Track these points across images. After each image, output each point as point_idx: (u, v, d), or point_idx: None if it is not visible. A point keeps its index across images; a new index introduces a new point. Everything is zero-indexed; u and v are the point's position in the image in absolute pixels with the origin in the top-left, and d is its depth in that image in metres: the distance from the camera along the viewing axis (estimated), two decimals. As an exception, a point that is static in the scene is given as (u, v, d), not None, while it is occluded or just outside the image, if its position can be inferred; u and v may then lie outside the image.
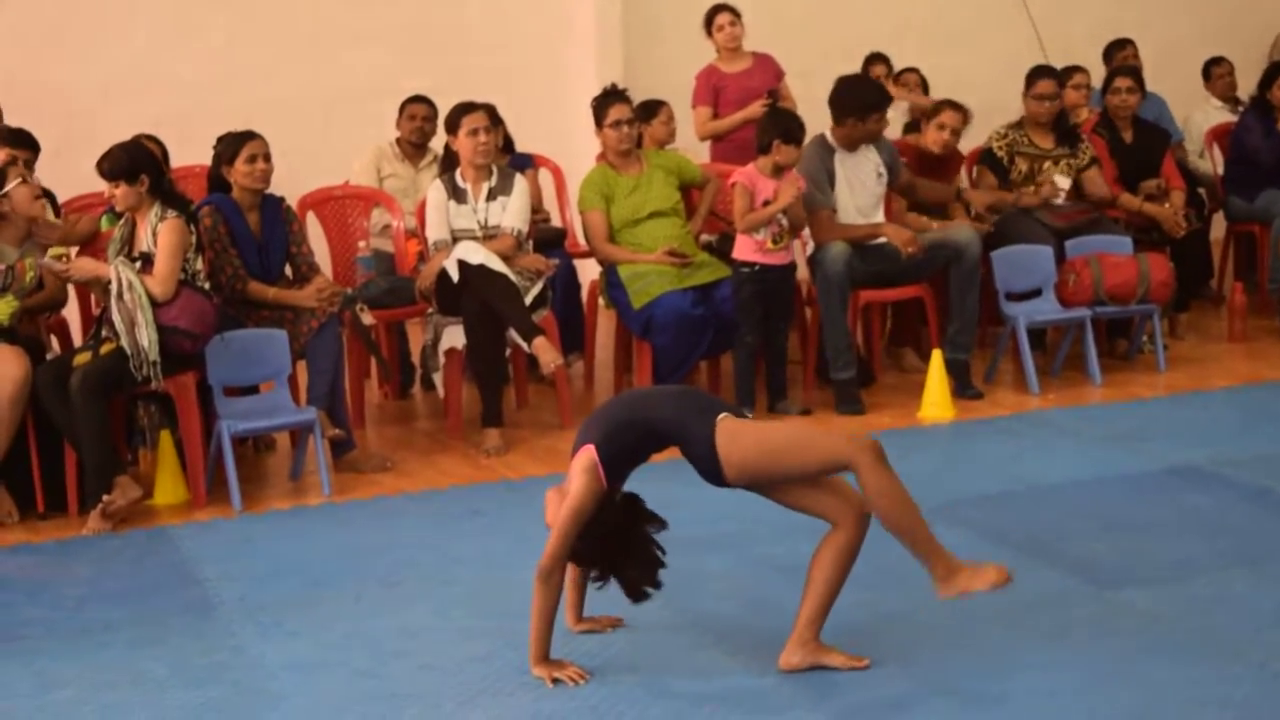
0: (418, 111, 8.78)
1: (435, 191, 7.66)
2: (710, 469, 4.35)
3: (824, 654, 4.47)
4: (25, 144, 7.16)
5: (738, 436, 4.32)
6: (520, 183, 7.72)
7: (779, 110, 8.16)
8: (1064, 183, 8.52)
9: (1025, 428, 7.37)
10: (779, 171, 7.48)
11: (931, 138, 8.53)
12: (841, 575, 4.42)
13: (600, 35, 10.85)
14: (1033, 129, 8.67)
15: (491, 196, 7.62)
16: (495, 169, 7.69)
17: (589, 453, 4.39)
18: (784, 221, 7.46)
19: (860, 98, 7.96)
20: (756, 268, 7.48)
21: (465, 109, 7.62)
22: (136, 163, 6.49)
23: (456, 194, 7.62)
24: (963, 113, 8.55)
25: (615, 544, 4.43)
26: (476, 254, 7.24)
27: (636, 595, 4.48)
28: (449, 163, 7.85)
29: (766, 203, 7.40)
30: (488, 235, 7.55)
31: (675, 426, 4.37)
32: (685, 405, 4.45)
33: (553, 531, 4.41)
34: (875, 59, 10.46)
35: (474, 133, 7.54)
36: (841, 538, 4.39)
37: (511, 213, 7.61)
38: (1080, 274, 8.12)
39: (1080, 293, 8.12)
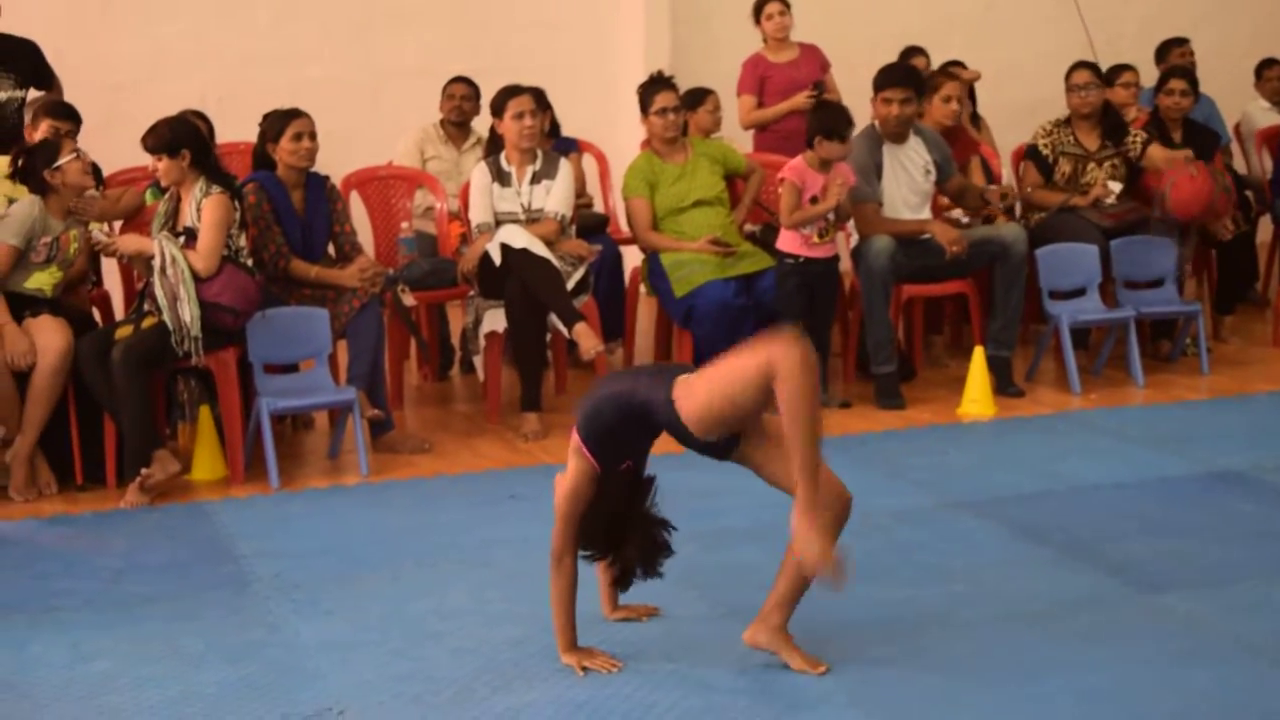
0: (457, 91, 8.78)
1: (479, 174, 7.66)
2: (680, 430, 4.26)
3: (788, 648, 4.42)
4: (67, 116, 7.17)
5: (690, 386, 4.23)
6: (565, 167, 7.71)
7: (827, 104, 8.09)
8: (1115, 186, 8.44)
9: (1066, 427, 7.33)
10: (827, 165, 7.43)
11: (940, 111, 8.39)
12: None
13: (649, 21, 10.83)
14: (1079, 126, 8.60)
15: (536, 180, 7.61)
16: (540, 153, 7.68)
17: (574, 435, 4.40)
18: (830, 215, 7.42)
19: (882, 74, 7.96)
20: (800, 260, 7.45)
21: (511, 92, 7.60)
22: (179, 137, 6.50)
23: (500, 177, 7.61)
24: (958, 80, 8.48)
25: (615, 524, 4.39)
26: (520, 238, 7.23)
27: (625, 579, 4.44)
28: (494, 145, 7.85)
29: (814, 199, 7.37)
30: (531, 219, 7.54)
31: (640, 398, 4.30)
32: (648, 375, 4.43)
33: (556, 516, 4.42)
34: (913, 51, 10.40)
35: (519, 116, 7.53)
36: None
37: (555, 197, 7.60)
38: (1199, 171, 8.22)
39: (1201, 193, 8.22)
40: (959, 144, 8.55)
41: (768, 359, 4.03)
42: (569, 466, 4.41)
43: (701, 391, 4.19)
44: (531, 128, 7.55)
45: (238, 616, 5.03)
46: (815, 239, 7.40)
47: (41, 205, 6.53)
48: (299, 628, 4.91)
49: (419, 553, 5.64)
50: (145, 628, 4.94)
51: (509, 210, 7.56)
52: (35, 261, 6.52)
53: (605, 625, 4.75)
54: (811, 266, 7.45)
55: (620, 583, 4.51)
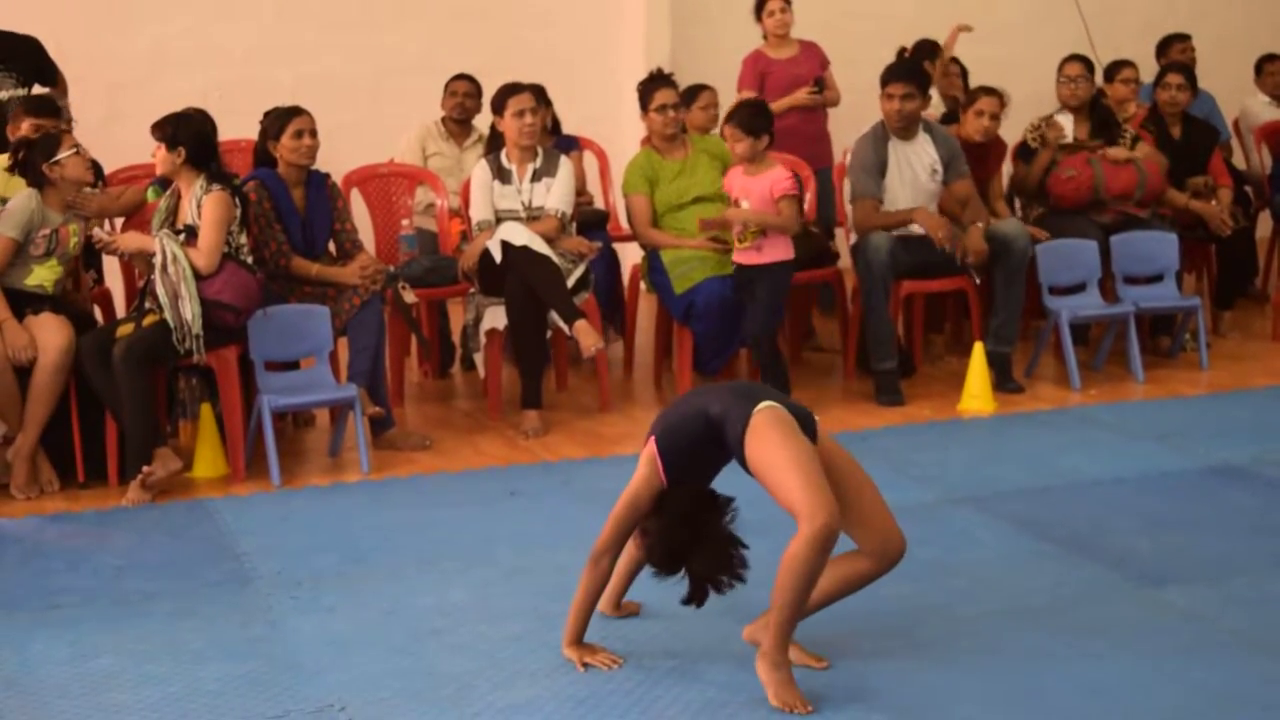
0: (459, 88, 8.78)
1: (480, 171, 7.66)
2: (739, 454, 4.31)
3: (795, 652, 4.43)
4: (50, 113, 7.12)
5: (761, 432, 4.25)
6: (565, 164, 7.71)
7: (747, 100, 8.03)
8: (1065, 122, 8.47)
9: (1066, 422, 7.33)
10: (755, 167, 7.35)
11: (972, 126, 8.36)
12: (842, 592, 4.43)
13: (649, 17, 10.82)
14: (1073, 116, 8.63)
15: (536, 178, 7.62)
16: (540, 150, 7.68)
17: (650, 445, 4.39)
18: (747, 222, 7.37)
19: (887, 70, 7.99)
20: (739, 266, 7.43)
21: (512, 90, 7.61)
22: (179, 133, 6.51)
23: (501, 174, 7.62)
24: (999, 96, 8.45)
25: (682, 538, 4.32)
26: (520, 235, 7.24)
27: (699, 595, 4.35)
28: (495, 143, 7.86)
29: (737, 202, 7.37)
30: (531, 216, 7.55)
31: (721, 413, 4.31)
32: (738, 393, 4.40)
33: (608, 518, 4.42)
34: (926, 45, 10.38)
35: (520, 114, 7.53)
36: (865, 568, 4.39)
37: (556, 195, 7.61)
38: (1081, 170, 8.27)
39: (1081, 189, 8.30)
40: (991, 155, 8.49)
41: (802, 506, 4.12)
42: (636, 474, 4.40)
43: (761, 446, 4.23)
44: (531, 125, 7.56)
45: (239, 613, 5.04)
46: (737, 244, 7.36)
47: (39, 198, 6.54)
48: (300, 624, 4.92)
49: (420, 549, 5.65)
50: (147, 625, 4.95)
51: (510, 208, 7.56)
52: (34, 255, 6.53)
53: (606, 621, 4.75)
54: (743, 273, 7.39)
55: (693, 599, 4.38)
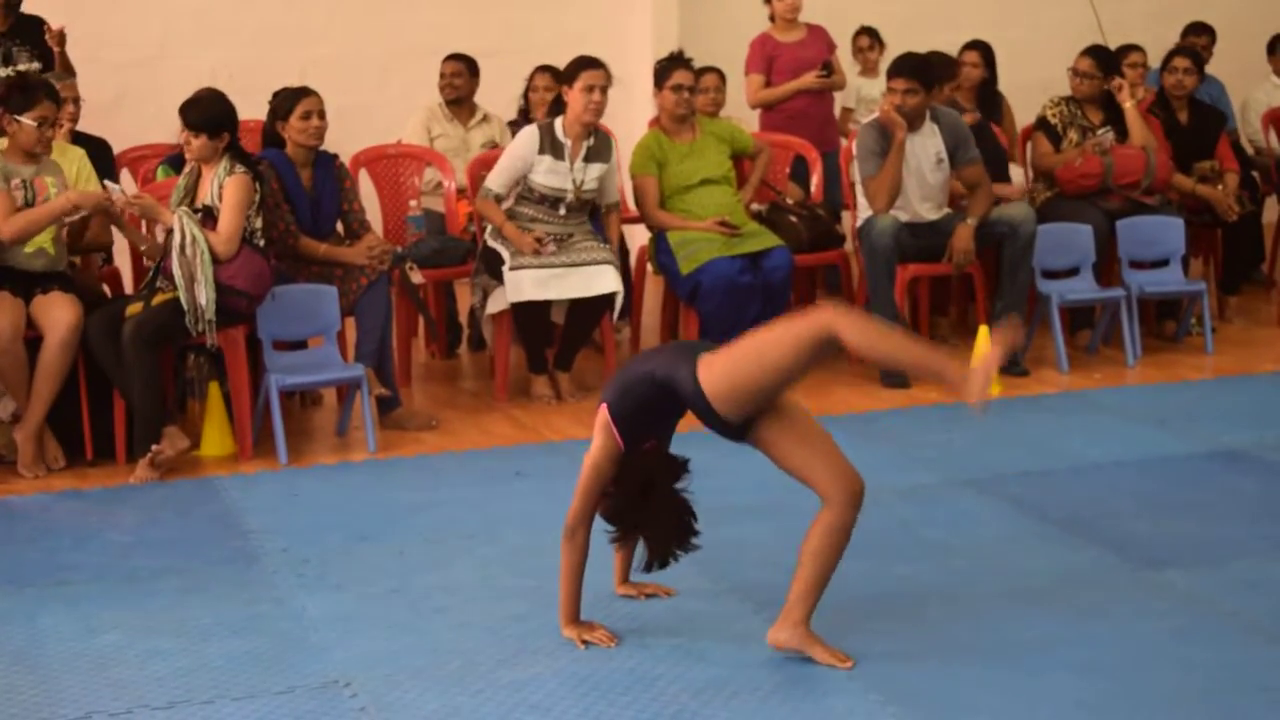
0: (447, 69, 8.79)
1: (527, 140, 7.50)
2: (706, 411, 4.31)
3: (810, 643, 4.41)
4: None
5: (712, 364, 4.29)
6: (614, 151, 7.70)
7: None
8: (1107, 136, 8.47)
9: (1070, 406, 7.35)
10: None
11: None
12: (831, 555, 4.36)
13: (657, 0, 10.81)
14: (1085, 104, 8.64)
15: (589, 158, 7.55)
16: (595, 131, 7.61)
17: (603, 411, 4.43)
18: None
19: (891, 64, 7.99)
20: None
21: (586, 63, 7.50)
22: (223, 118, 6.50)
23: (554, 148, 7.49)
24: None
25: (640, 503, 4.43)
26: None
27: (659, 559, 4.48)
28: (527, 116, 7.75)
29: None
30: (582, 197, 7.52)
31: (668, 373, 4.35)
32: (671, 352, 4.51)
33: (575, 490, 4.47)
34: (860, 32, 10.40)
35: (589, 89, 7.43)
36: (830, 517, 4.33)
37: (611, 187, 7.67)
38: (1088, 157, 8.32)
39: (1089, 179, 8.33)
40: None
41: (823, 321, 4.17)
42: (593, 443, 4.45)
43: (729, 364, 4.27)
44: (599, 103, 7.46)
45: (245, 590, 5.08)
46: None
47: None
48: (306, 602, 4.96)
49: (425, 528, 5.69)
50: (154, 601, 4.99)
51: (559, 186, 7.45)
52: (18, 209, 6.48)
53: (610, 600, 4.79)
54: None
55: (653, 563, 4.50)
